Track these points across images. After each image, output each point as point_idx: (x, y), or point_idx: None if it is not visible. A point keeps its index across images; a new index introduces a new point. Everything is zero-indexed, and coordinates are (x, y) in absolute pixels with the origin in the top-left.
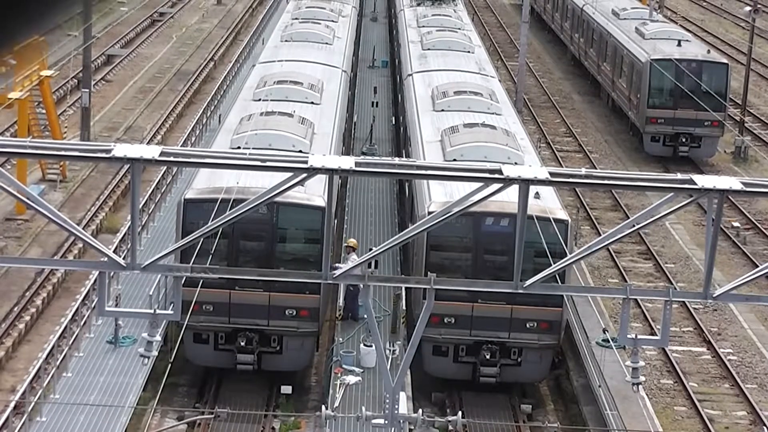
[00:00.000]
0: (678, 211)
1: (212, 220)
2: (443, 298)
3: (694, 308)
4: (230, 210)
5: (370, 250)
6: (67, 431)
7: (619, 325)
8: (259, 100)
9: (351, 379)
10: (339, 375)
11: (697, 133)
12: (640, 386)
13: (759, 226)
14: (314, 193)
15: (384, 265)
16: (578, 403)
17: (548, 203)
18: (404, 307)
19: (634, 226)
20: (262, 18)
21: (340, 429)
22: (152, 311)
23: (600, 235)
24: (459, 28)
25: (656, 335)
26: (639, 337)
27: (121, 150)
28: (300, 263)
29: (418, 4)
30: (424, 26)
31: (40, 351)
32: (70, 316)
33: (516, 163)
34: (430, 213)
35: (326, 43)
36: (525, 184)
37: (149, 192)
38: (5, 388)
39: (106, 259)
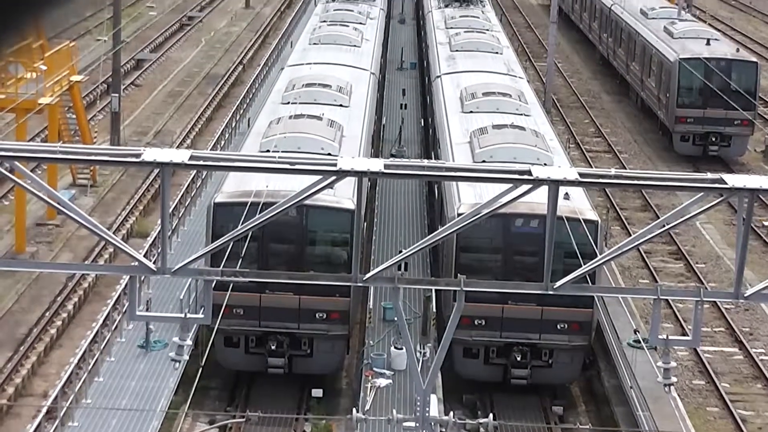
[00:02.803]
0: (708, 210)
1: (242, 224)
2: (473, 300)
3: (726, 308)
4: (260, 213)
5: (400, 252)
6: None
7: (650, 326)
8: (288, 103)
9: (382, 381)
10: (370, 378)
11: (727, 132)
12: (672, 387)
13: None
14: (343, 195)
15: (414, 267)
16: (610, 404)
17: (578, 204)
18: (434, 309)
19: (664, 226)
20: (291, 21)
21: None
22: (183, 315)
23: (630, 235)
24: (487, 29)
25: (687, 336)
26: (670, 337)
27: (150, 154)
28: (330, 266)
29: (446, 6)
30: (452, 27)
31: (71, 356)
32: (101, 321)
33: (545, 164)
34: (459, 214)
35: (354, 46)
36: (554, 185)
37: (179, 196)
38: (37, 393)
39: (136, 263)
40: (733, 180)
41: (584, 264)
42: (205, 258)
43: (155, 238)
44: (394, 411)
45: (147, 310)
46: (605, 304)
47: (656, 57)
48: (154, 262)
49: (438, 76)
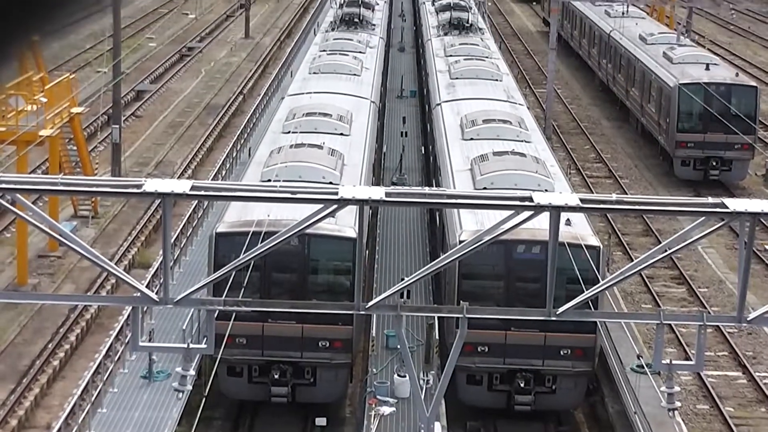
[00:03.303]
0: (710, 235)
1: (244, 253)
2: (476, 327)
3: (729, 332)
4: (262, 243)
5: (402, 279)
6: None
7: (654, 351)
8: (289, 132)
9: (385, 409)
10: (373, 406)
11: (728, 156)
12: (676, 412)
13: None
14: (345, 224)
15: (416, 295)
16: (614, 430)
17: (580, 230)
18: (437, 337)
19: (666, 250)
20: (290, 50)
21: None
22: (186, 345)
23: (632, 260)
24: (486, 57)
25: (691, 360)
26: (674, 362)
27: (152, 185)
28: (332, 294)
29: (445, 34)
30: (451, 55)
31: (74, 387)
32: (104, 352)
33: (546, 190)
34: (461, 242)
35: (354, 75)
36: (556, 211)
37: (181, 226)
38: (41, 425)
39: (139, 294)
40: (735, 204)
41: (587, 290)
42: (208, 288)
43: (157, 268)
44: None
45: (150, 340)
46: (608, 329)
47: (656, 82)
48: (156, 293)
49: (438, 104)
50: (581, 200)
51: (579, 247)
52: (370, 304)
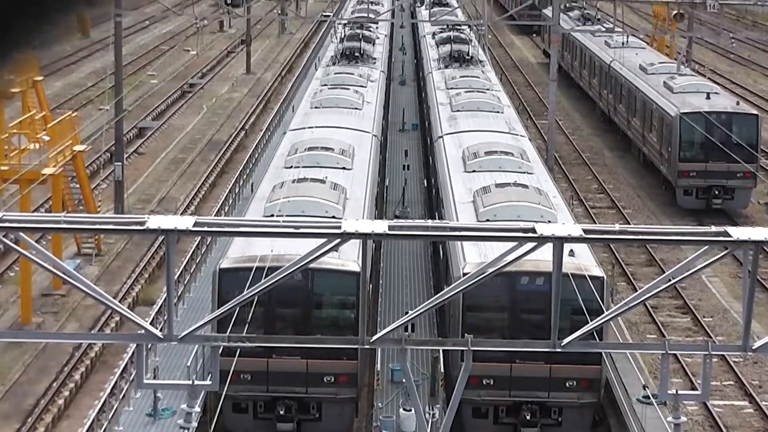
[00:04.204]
0: (714, 264)
1: (247, 289)
2: (481, 359)
3: (734, 361)
4: (265, 278)
5: (406, 313)
6: None
7: (659, 381)
8: (291, 167)
9: None
10: None
11: (730, 185)
12: None
13: None
14: (349, 258)
15: (420, 328)
16: None
17: (583, 260)
18: (442, 370)
19: (670, 280)
20: (292, 85)
21: None
22: (190, 382)
23: (636, 290)
24: (487, 89)
25: (697, 390)
26: (680, 392)
27: (155, 222)
28: (337, 329)
29: (446, 66)
30: (452, 88)
31: (80, 426)
32: (108, 390)
33: (549, 222)
34: (464, 274)
35: (356, 108)
36: (559, 242)
37: (184, 262)
38: None
39: (143, 331)
40: (738, 233)
41: (591, 320)
42: (212, 324)
43: (161, 305)
44: None
45: (154, 377)
46: (613, 360)
47: (657, 112)
48: (160, 330)
49: (440, 137)
50: (584, 231)
51: (583, 277)
52: (375, 338)
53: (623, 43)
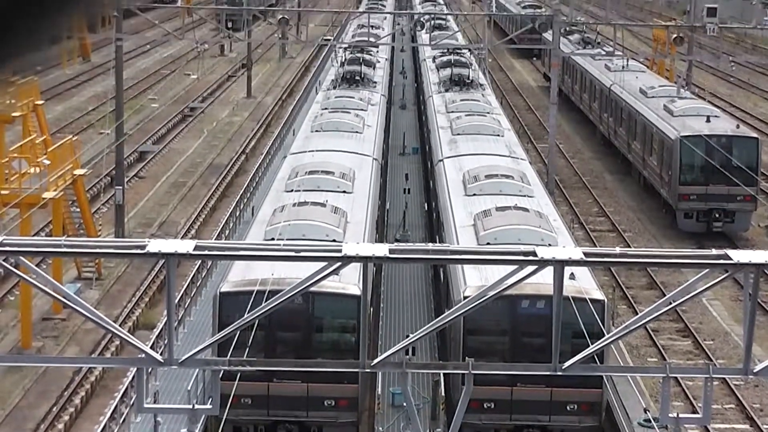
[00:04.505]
0: (714, 287)
1: (248, 312)
2: (482, 383)
3: (735, 384)
4: (266, 301)
5: (407, 336)
6: None
7: (660, 404)
8: (292, 190)
9: None
10: None
11: (730, 208)
12: None
13: None
14: (349, 281)
15: (421, 351)
16: None
17: (584, 283)
18: (443, 393)
19: (670, 303)
20: (292, 109)
21: None
22: (191, 406)
23: (637, 313)
24: (488, 112)
25: (698, 413)
26: (681, 415)
27: (155, 245)
28: (337, 352)
29: (446, 90)
30: (453, 111)
31: None
32: (109, 414)
33: (550, 245)
34: (465, 297)
35: (356, 132)
36: (560, 265)
37: (185, 286)
38: None
39: (143, 355)
40: (738, 255)
41: (592, 344)
42: (212, 348)
43: (161, 329)
44: None
45: (155, 401)
46: (614, 383)
47: (657, 135)
48: (160, 354)
49: (440, 160)
50: (585, 254)
51: (583, 301)
52: (376, 361)
53: (623, 67)
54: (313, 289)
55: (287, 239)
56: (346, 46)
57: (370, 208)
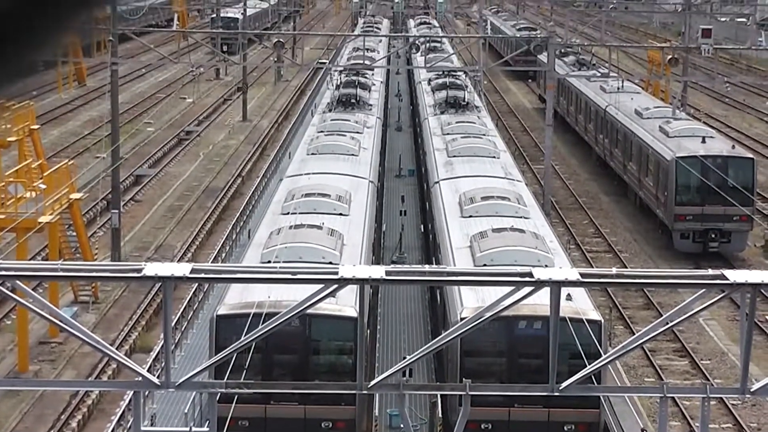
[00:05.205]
0: (711, 307)
1: (245, 335)
2: (479, 404)
3: (733, 404)
4: (262, 324)
5: (404, 358)
6: None
7: (658, 425)
8: (288, 213)
9: None
10: None
11: (727, 228)
12: None
13: None
14: (346, 303)
15: (418, 373)
16: None
17: (580, 304)
18: (440, 415)
19: (667, 323)
20: (288, 132)
21: None
22: (188, 429)
23: (634, 334)
24: (483, 134)
25: None
26: None
27: (151, 269)
28: (334, 374)
29: (442, 112)
30: (448, 134)
31: None
32: None
33: (546, 266)
34: (462, 319)
35: (352, 155)
36: (556, 286)
37: (181, 309)
38: None
39: (140, 378)
40: (735, 276)
41: (589, 364)
42: (209, 371)
43: (158, 352)
44: None
45: (152, 425)
46: (612, 403)
47: (653, 156)
48: (157, 377)
49: (436, 182)
50: (581, 275)
51: (580, 321)
52: (373, 383)
53: (618, 88)
54: (310, 311)
55: (284, 262)
56: (342, 69)
57: (367, 230)
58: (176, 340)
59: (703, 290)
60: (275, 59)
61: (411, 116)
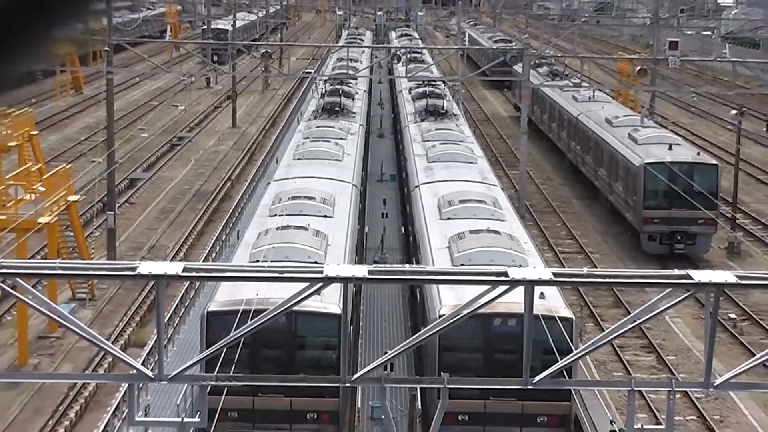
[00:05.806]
0: (677, 305)
1: (234, 331)
2: (457, 397)
3: (697, 397)
4: (251, 320)
5: (386, 353)
6: None
7: (626, 417)
8: (275, 215)
9: None
10: None
11: (692, 231)
12: None
13: (754, 317)
14: (330, 301)
15: (399, 367)
16: None
17: (553, 303)
18: (420, 407)
19: (635, 321)
20: (275, 138)
21: None
22: (180, 420)
23: (603, 331)
24: (461, 141)
25: (661, 425)
26: (645, 427)
27: (145, 267)
28: (319, 368)
29: (422, 120)
30: (428, 140)
31: None
32: (102, 428)
33: (521, 266)
34: (440, 316)
35: (336, 160)
36: (530, 285)
37: (174, 306)
38: None
39: (135, 371)
40: (700, 276)
41: (561, 359)
42: (200, 364)
43: (152, 346)
44: None
45: (146, 415)
46: (582, 397)
47: (622, 162)
48: (151, 370)
49: (416, 186)
50: (554, 274)
51: (553, 319)
52: (356, 377)
53: (590, 98)
54: (296, 308)
55: (271, 261)
56: (327, 78)
57: (350, 231)
58: (169, 336)
59: (670, 289)
60: (263, 69)
61: (392, 123)
